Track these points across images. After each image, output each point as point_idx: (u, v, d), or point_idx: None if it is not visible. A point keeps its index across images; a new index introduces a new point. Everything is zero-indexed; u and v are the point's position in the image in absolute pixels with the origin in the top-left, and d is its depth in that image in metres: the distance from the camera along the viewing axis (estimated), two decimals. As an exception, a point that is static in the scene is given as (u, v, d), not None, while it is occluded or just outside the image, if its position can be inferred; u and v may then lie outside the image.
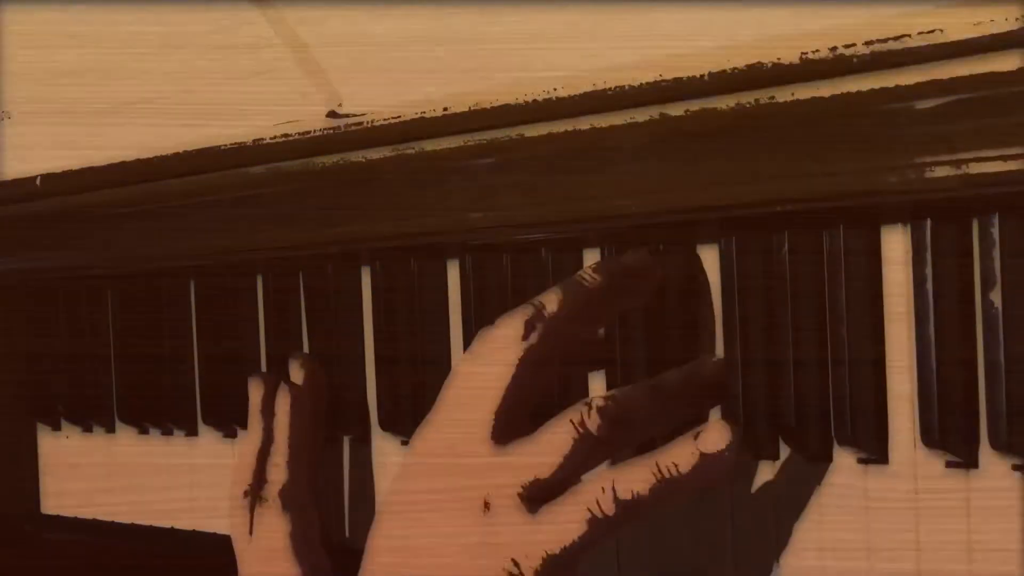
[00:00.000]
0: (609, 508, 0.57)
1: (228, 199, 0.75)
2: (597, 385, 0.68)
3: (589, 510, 0.57)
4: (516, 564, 0.58)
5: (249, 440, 0.76)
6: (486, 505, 0.59)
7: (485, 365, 0.61)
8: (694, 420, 0.63)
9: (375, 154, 0.68)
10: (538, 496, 0.59)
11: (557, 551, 0.58)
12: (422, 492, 0.61)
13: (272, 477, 0.74)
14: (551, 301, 0.62)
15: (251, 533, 0.74)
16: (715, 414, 0.64)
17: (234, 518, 0.75)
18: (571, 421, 0.59)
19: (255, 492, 0.74)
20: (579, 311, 0.62)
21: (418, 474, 0.62)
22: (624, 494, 0.57)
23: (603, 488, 0.57)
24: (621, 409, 0.59)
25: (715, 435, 0.58)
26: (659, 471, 0.57)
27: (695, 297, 0.64)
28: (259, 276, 0.82)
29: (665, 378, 0.62)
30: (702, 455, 0.57)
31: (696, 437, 0.58)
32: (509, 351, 0.61)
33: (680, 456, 0.57)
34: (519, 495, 0.59)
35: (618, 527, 0.58)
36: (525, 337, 0.61)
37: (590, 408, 0.59)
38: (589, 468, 0.60)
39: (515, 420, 0.61)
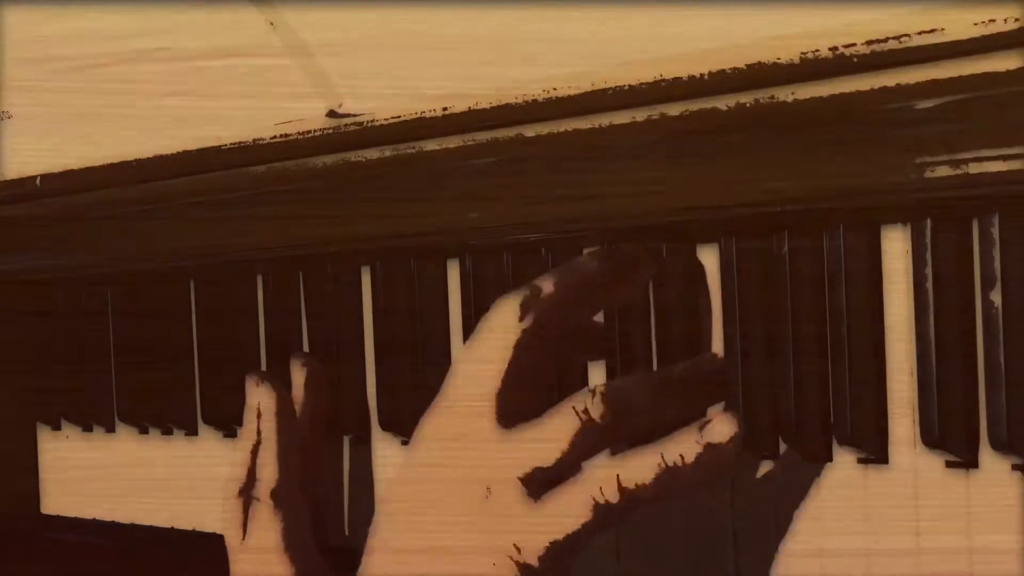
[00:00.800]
0: (613, 496, 0.58)
1: (228, 199, 0.75)
2: (596, 379, 0.68)
3: (593, 498, 0.58)
4: (518, 549, 0.58)
5: (244, 439, 0.76)
6: (488, 491, 0.59)
7: (484, 350, 0.62)
8: (693, 416, 0.64)
9: (375, 154, 0.68)
10: (540, 482, 0.59)
11: (560, 538, 0.58)
12: (427, 476, 0.62)
13: (262, 476, 0.74)
14: (546, 284, 0.62)
15: (244, 533, 0.74)
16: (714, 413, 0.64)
17: (227, 518, 0.75)
18: (574, 408, 0.59)
19: (248, 492, 0.74)
20: (574, 295, 0.63)
21: (423, 458, 0.62)
22: (628, 483, 0.58)
23: (608, 476, 0.58)
24: (624, 397, 0.60)
25: (721, 427, 0.58)
26: (664, 461, 0.58)
27: (694, 295, 0.64)
28: (259, 276, 0.82)
29: (668, 370, 0.62)
30: (707, 446, 0.58)
31: (701, 428, 0.58)
32: (506, 334, 0.61)
33: (685, 447, 0.58)
34: (521, 480, 0.59)
35: (621, 516, 0.58)
36: (521, 318, 0.61)
37: (593, 395, 0.59)
38: (590, 456, 0.60)
39: (518, 403, 0.61)
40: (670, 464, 0.58)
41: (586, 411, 0.59)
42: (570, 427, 0.59)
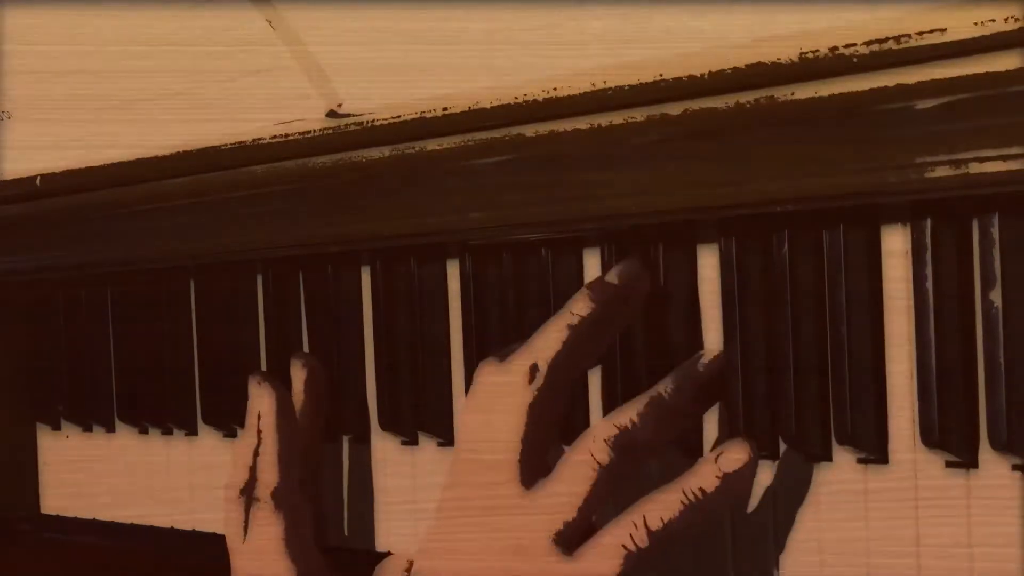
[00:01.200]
0: (643, 542, 0.59)
1: (228, 199, 0.75)
2: (596, 382, 0.68)
3: (624, 546, 0.59)
4: None
5: (245, 439, 0.76)
6: (523, 554, 0.60)
7: (498, 416, 0.62)
8: (695, 424, 0.64)
9: (375, 154, 0.68)
10: (569, 538, 0.60)
11: None
12: (462, 541, 0.62)
13: (263, 477, 0.74)
14: (549, 341, 0.62)
15: (245, 533, 0.74)
16: (715, 414, 0.64)
17: (228, 518, 0.75)
18: (583, 459, 0.60)
19: (250, 492, 0.74)
20: (577, 343, 0.63)
21: (456, 524, 0.63)
22: (655, 524, 0.59)
23: (635, 523, 0.59)
24: (628, 436, 0.61)
25: (735, 454, 0.59)
26: (686, 497, 0.59)
27: (688, 298, 0.64)
28: (259, 276, 0.82)
29: (661, 388, 0.62)
30: (725, 476, 0.59)
31: (717, 458, 0.59)
32: (517, 397, 0.62)
33: (704, 479, 0.59)
34: (552, 540, 0.60)
35: (651, 555, 0.59)
36: (531, 381, 0.62)
37: (597, 441, 0.60)
38: (607, 498, 0.61)
39: (537, 460, 0.62)
40: (692, 499, 0.59)
41: (595, 458, 0.60)
42: (585, 478, 0.60)
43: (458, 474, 0.64)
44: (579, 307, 0.63)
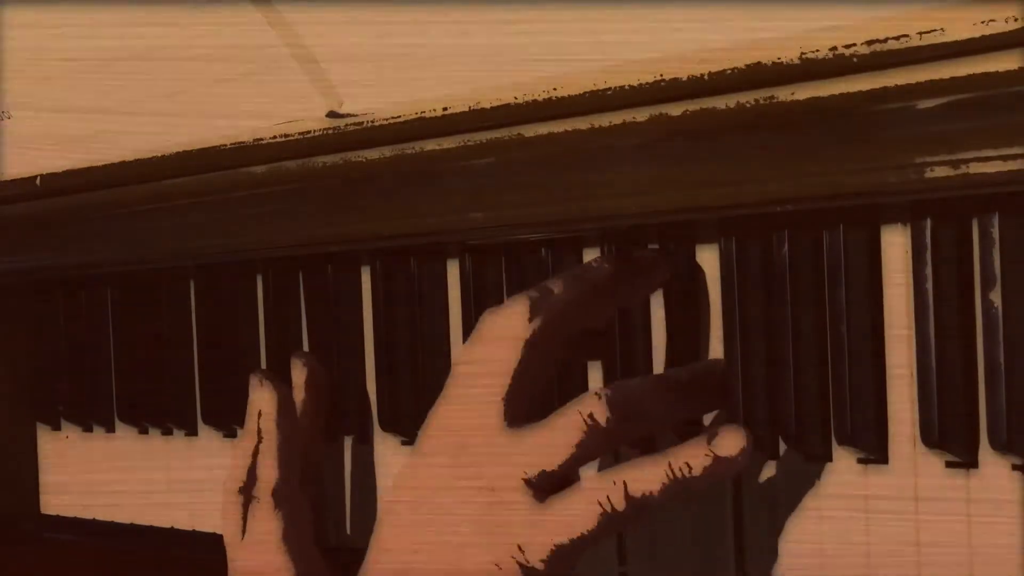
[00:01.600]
0: (619, 504, 0.57)
1: (228, 199, 0.75)
2: (596, 380, 0.68)
3: (599, 504, 0.58)
4: (522, 551, 0.58)
5: (245, 438, 0.76)
6: (492, 491, 0.59)
7: (493, 347, 0.61)
8: (697, 420, 0.64)
9: (375, 154, 0.68)
10: (544, 485, 0.59)
11: (565, 542, 0.58)
12: (432, 473, 0.61)
13: (262, 475, 0.74)
14: (557, 285, 0.62)
15: (244, 531, 0.74)
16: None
17: (226, 516, 0.75)
18: (580, 412, 0.59)
19: (248, 490, 0.74)
20: (585, 298, 0.62)
21: (429, 456, 0.62)
22: (635, 491, 0.58)
23: (615, 483, 0.58)
24: (629, 401, 0.60)
25: (730, 440, 0.58)
26: (671, 471, 0.58)
27: (694, 298, 0.64)
28: (259, 276, 0.82)
29: (674, 374, 0.62)
30: (715, 458, 0.58)
31: (710, 440, 0.58)
32: (516, 333, 0.61)
33: (693, 457, 0.58)
34: (525, 482, 0.59)
35: (626, 522, 0.58)
36: (531, 319, 0.61)
37: (599, 399, 0.59)
38: (594, 458, 0.60)
39: (523, 403, 0.61)
40: (677, 475, 0.58)
41: (592, 415, 0.59)
42: (576, 430, 0.59)
43: (445, 403, 0.62)
44: (595, 264, 0.63)
